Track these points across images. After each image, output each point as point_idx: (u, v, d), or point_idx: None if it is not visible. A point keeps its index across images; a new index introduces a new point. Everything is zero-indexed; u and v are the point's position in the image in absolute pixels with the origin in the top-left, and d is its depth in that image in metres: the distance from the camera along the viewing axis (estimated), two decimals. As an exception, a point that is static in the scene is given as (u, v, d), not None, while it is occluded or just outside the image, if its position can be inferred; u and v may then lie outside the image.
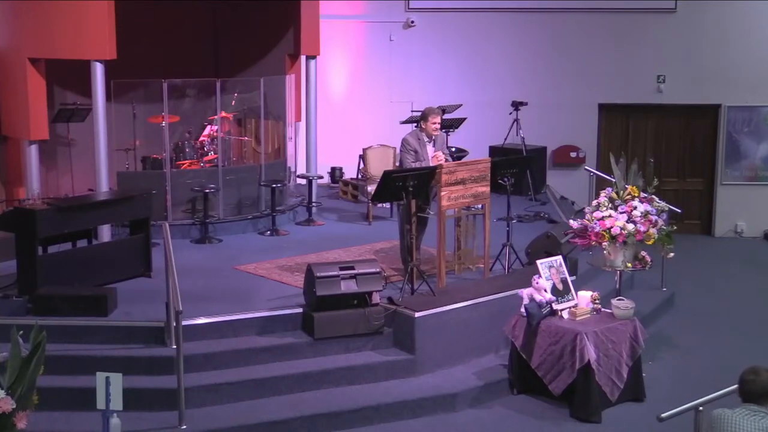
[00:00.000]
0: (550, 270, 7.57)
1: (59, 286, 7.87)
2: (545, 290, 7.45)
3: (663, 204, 8.13)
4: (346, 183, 12.73)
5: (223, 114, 11.37)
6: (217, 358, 7.25)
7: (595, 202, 7.98)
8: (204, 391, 6.94)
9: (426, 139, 8.69)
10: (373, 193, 8.78)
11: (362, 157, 12.03)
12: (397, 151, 9.93)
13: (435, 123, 8.67)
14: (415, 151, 8.60)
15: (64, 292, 7.72)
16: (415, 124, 8.83)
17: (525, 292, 7.51)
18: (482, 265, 8.84)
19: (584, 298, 7.62)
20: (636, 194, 7.86)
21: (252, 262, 9.31)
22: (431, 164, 8.51)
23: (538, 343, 7.37)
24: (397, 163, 10.81)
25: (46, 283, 7.86)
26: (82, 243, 8.69)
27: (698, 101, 13.61)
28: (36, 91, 9.72)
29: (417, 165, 8.50)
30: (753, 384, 4.75)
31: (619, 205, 7.82)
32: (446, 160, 8.70)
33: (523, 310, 7.46)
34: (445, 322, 7.72)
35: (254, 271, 9.05)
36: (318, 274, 7.55)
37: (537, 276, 7.46)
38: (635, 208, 7.75)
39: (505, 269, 8.93)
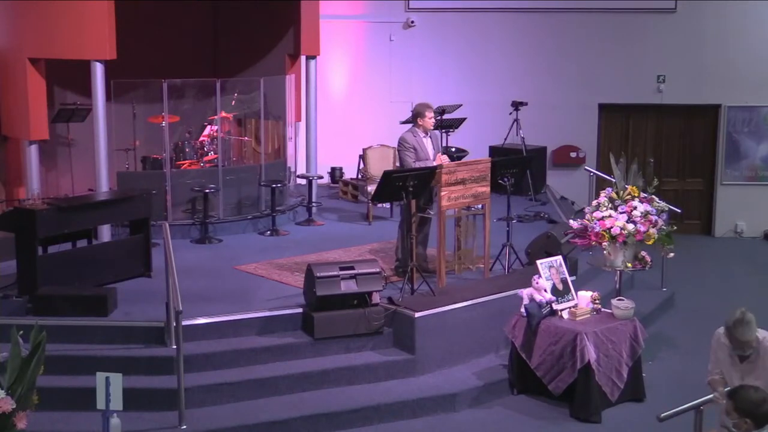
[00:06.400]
0: (550, 270, 7.57)
1: (59, 286, 7.87)
2: (545, 290, 7.45)
3: (663, 204, 8.13)
4: (346, 183, 12.73)
5: (223, 114, 11.37)
6: (217, 358, 7.25)
7: (595, 202, 7.98)
8: (204, 391, 6.95)
9: (423, 134, 8.71)
10: (373, 193, 8.78)
11: (362, 157, 12.03)
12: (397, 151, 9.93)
13: (431, 117, 8.70)
14: (414, 149, 8.61)
15: (64, 292, 7.73)
16: (413, 124, 8.82)
17: (525, 292, 7.51)
18: (482, 265, 8.84)
19: (584, 298, 7.62)
20: (636, 194, 7.86)
21: (252, 262, 9.31)
22: (434, 163, 8.53)
23: (538, 343, 7.37)
24: (397, 163, 10.81)
25: (46, 283, 7.86)
26: (82, 243, 8.70)
27: (698, 101, 13.61)
28: (36, 91, 9.72)
29: (420, 164, 8.50)
30: None
31: (619, 205, 7.82)
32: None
33: (523, 310, 7.46)
34: (445, 322, 7.72)
35: (254, 271, 9.05)
36: (318, 274, 7.55)
37: (537, 276, 7.46)
38: (635, 208, 7.75)
39: (505, 269, 8.93)
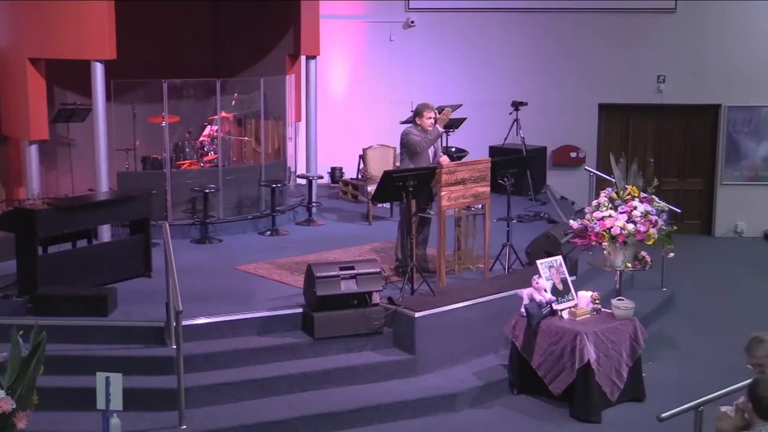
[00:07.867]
0: (550, 270, 7.57)
1: (59, 286, 7.87)
2: (545, 290, 7.45)
3: (663, 204, 8.13)
4: (346, 183, 12.73)
5: (223, 114, 11.37)
6: (217, 358, 7.25)
7: (595, 202, 7.98)
8: (204, 391, 6.95)
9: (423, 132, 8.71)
10: (373, 193, 8.78)
11: (362, 157, 12.03)
12: (398, 151, 9.92)
13: (430, 118, 8.66)
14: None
15: (64, 292, 7.72)
16: (412, 124, 8.82)
17: (525, 292, 7.51)
18: (482, 265, 8.84)
19: (584, 298, 7.62)
20: (636, 194, 7.85)
21: (252, 262, 9.31)
22: (435, 161, 8.53)
23: (539, 343, 7.37)
24: (398, 163, 10.82)
25: (46, 283, 7.86)
26: (82, 243, 8.69)
27: (698, 101, 13.61)
28: (36, 91, 9.72)
29: (428, 141, 8.49)
30: None
31: (619, 205, 7.82)
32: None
33: (523, 310, 7.46)
34: (445, 322, 7.72)
35: (254, 271, 9.05)
36: (318, 274, 7.55)
37: (537, 276, 7.46)
38: (635, 208, 7.75)
39: (505, 269, 8.93)
